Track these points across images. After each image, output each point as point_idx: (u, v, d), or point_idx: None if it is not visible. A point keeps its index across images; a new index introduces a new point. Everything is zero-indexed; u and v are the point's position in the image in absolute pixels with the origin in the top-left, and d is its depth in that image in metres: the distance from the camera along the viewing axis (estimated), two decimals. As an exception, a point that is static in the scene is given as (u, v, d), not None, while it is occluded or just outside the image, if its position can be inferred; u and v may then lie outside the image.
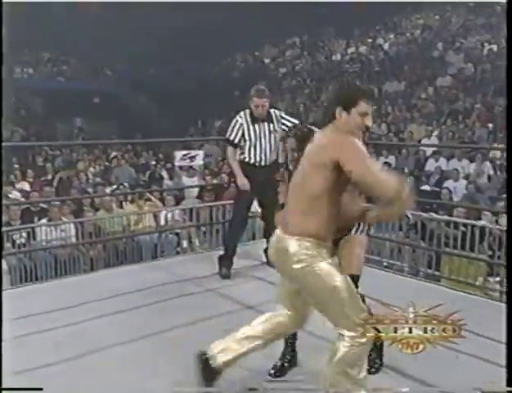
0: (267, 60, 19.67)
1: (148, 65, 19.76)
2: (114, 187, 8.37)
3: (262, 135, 4.04)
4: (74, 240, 5.79)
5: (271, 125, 4.07)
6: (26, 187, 8.78)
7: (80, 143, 13.45)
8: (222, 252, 4.30)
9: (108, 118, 17.31)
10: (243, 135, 4.05)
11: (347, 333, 2.10)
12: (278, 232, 2.26)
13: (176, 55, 18.70)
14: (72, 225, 5.94)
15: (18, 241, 5.62)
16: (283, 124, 4.09)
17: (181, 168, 8.91)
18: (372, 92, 2.31)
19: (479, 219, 5.66)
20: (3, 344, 2.28)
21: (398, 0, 16.28)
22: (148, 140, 12.59)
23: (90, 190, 8.45)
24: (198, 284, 4.01)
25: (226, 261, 4.20)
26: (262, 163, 4.08)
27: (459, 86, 12.52)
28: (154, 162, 11.21)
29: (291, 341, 2.74)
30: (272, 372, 2.70)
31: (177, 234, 6.64)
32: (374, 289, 3.72)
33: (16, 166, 9.78)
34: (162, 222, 6.61)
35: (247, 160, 4.09)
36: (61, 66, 19.95)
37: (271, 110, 4.12)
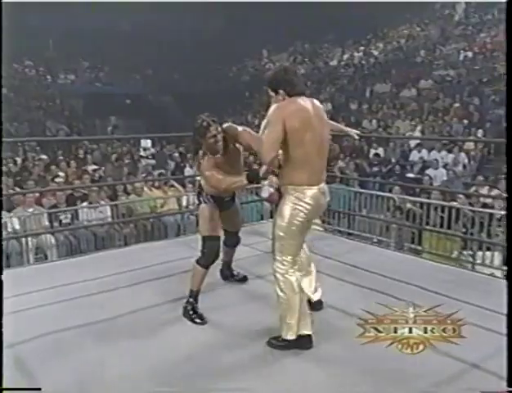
0: (273, 66, 19.54)
1: (170, 70, 19.74)
2: (144, 175, 8.34)
3: None
4: (109, 220, 5.86)
5: None
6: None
7: (114, 138, 13.43)
8: None
9: (138, 116, 17.30)
10: None
11: None
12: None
13: (192, 59, 18.71)
14: (108, 207, 6.00)
15: (64, 221, 5.70)
16: None
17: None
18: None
19: (453, 200, 5.59)
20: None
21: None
22: (173, 134, 12.45)
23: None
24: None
25: None
26: None
27: (438, 87, 12.33)
28: (177, 154, 11.14)
29: None
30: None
31: (197, 216, 6.60)
32: (367, 261, 3.71)
33: (61, 158, 9.80)
34: (184, 205, 6.61)
35: None
36: (98, 73, 20.00)
37: None
